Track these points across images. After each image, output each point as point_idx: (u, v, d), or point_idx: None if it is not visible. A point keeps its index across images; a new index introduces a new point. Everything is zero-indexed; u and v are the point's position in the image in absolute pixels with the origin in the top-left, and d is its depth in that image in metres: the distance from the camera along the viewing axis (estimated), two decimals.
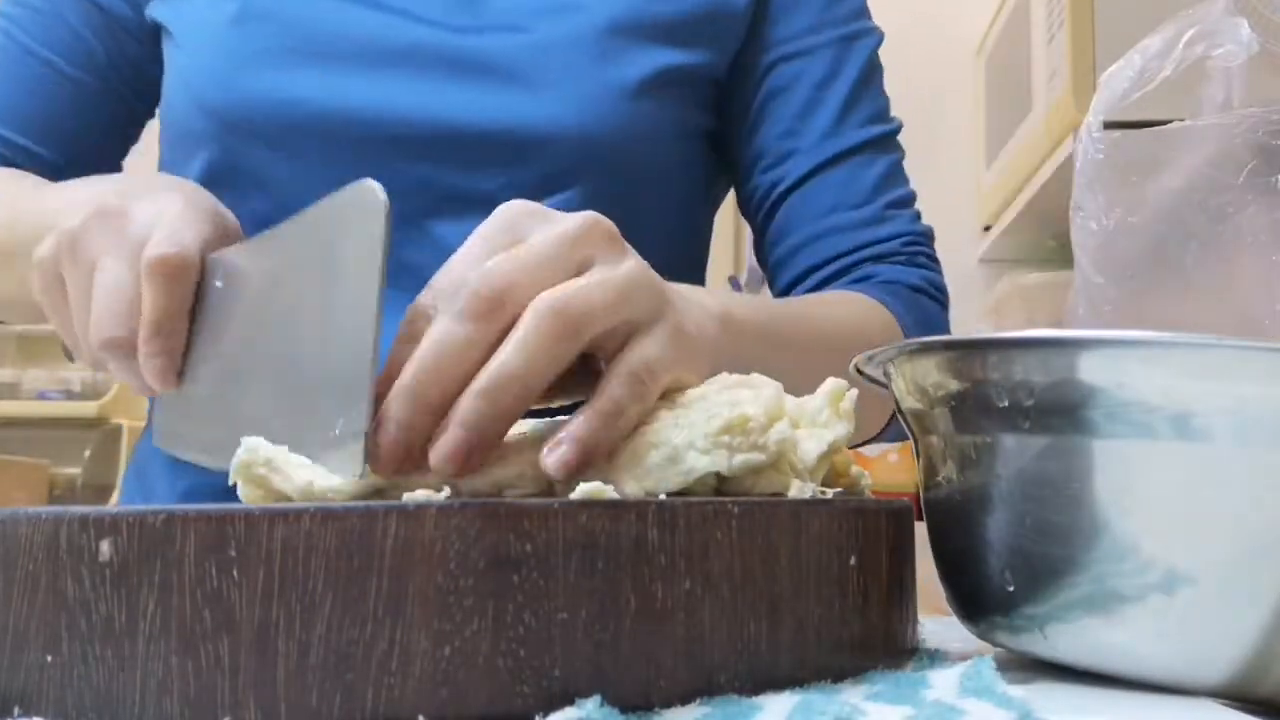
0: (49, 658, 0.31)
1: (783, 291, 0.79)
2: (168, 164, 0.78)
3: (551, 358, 0.40)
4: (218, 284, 0.52)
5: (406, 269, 0.69)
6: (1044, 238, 2.03)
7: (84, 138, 0.81)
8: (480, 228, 0.43)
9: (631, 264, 0.44)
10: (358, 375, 0.39)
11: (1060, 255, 2.02)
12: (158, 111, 0.82)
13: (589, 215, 0.44)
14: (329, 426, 0.40)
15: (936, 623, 0.52)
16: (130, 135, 0.84)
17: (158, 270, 0.50)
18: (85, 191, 0.62)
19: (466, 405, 0.39)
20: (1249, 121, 0.66)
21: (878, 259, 0.77)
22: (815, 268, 0.77)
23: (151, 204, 0.54)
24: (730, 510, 0.35)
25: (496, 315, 0.40)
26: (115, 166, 0.83)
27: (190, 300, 0.52)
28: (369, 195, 0.41)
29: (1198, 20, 0.69)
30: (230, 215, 0.56)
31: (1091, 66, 1.58)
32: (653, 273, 0.45)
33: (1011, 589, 0.39)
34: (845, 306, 0.72)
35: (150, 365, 0.51)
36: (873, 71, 0.81)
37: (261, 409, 0.45)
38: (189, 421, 0.52)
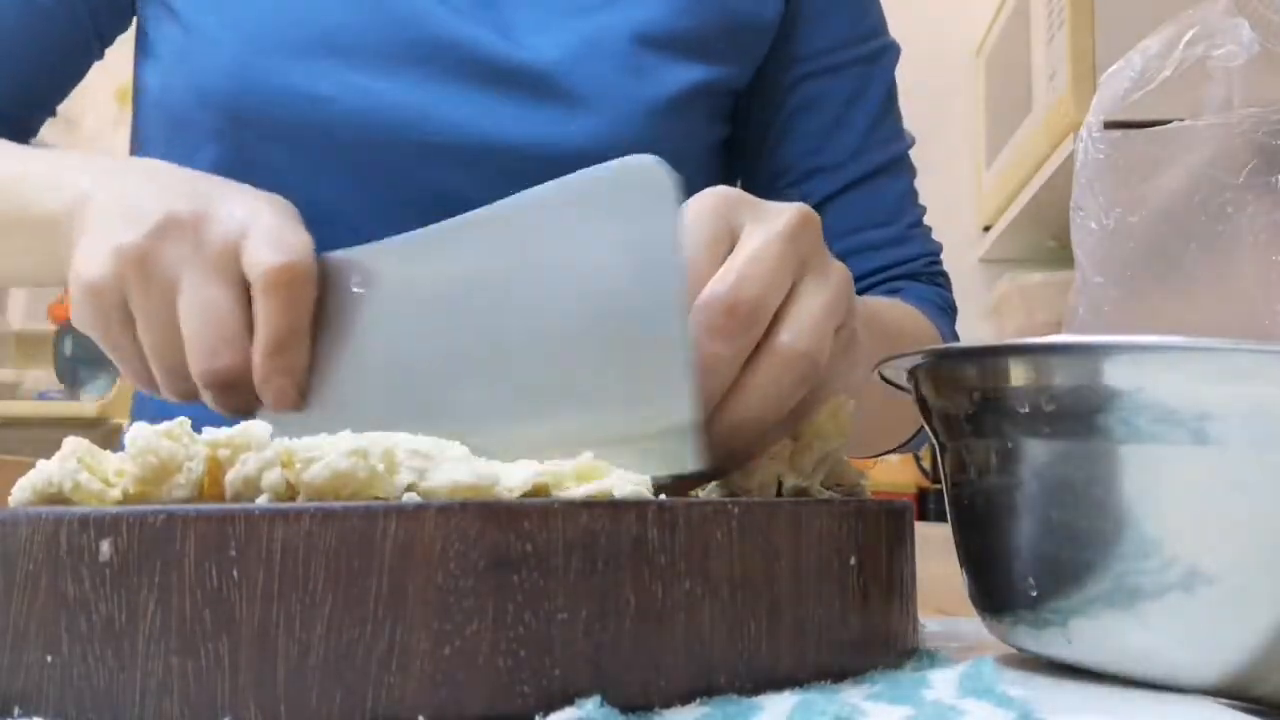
0: (49, 658, 0.31)
1: None
2: (161, 156, 0.72)
3: (792, 401, 0.41)
4: (355, 290, 0.46)
5: None
6: (1044, 238, 2.04)
7: (30, 65, 0.73)
8: (694, 216, 0.42)
9: (839, 272, 0.44)
10: (675, 362, 0.37)
11: (1060, 255, 2.02)
12: (140, 90, 0.75)
13: (800, 210, 0.43)
14: (639, 422, 0.38)
15: (936, 623, 0.52)
16: (78, 71, 0.76)
17: (278, 281, 0.45)
18: (110, 184, 0.53)
19: (719, 444, 0.40)
20: (1249, 121, 0.67)
21: (902, 277, 0.78)
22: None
23: (235, 207, 0.48)
24: (730, 510, 0.35)
25: (751, 333, 0.40)
26: (53, 106, 0.76)
27: (312, 311, 0.47)
28: (649, 173, 0.39)
29: (1198, 20, 0.69)
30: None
31: (1091, 66, 1.59)
32: (849, 274, 0.45)
33: (1035, 593, 0.39)
34: (906, 311, 0.73)
35: (271, 387, 0.46)
36: (893, 89, 0.82)
37: (490, 411, 0.42)
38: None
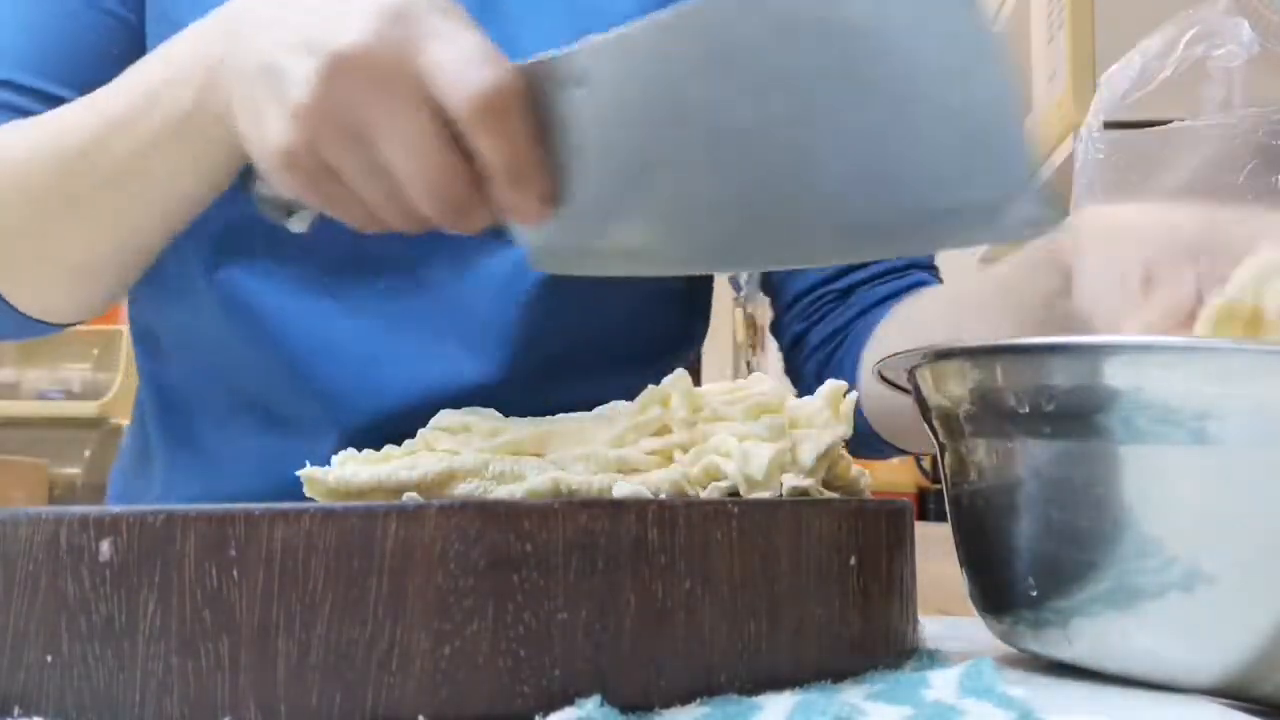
0: (49, 658, 0.31)
1: (822, 282, 0.75)
2: None
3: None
4: (579, 92, 0.43)
5: (405, 271, 0.69)
6: None
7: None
8: None
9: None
10: (1007, 122, 0.34)
11: None
12: None
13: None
14: (970, 186, 0.35)
15: (936, 623, 0.52)
16: None
17: (490, 112, 0.41)
18: (236, 40, 0.47)
19: None
20: (1249, 121, 0.67)
21: (921, 268, 0.76)
22: (856, 266, 0.75)
23: (401, 28, 0.42)
24: (730, 510, 0.35)
25: None
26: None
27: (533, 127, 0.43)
28: None
29: (1198, 20, 0.69)
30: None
31: (1091, 66, 1.58)
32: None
33: (1035, 593, 0.39)
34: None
35: (519, 214, 0.44)
36: None
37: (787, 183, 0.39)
38: (595, 231, 0.45)
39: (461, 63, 0.41)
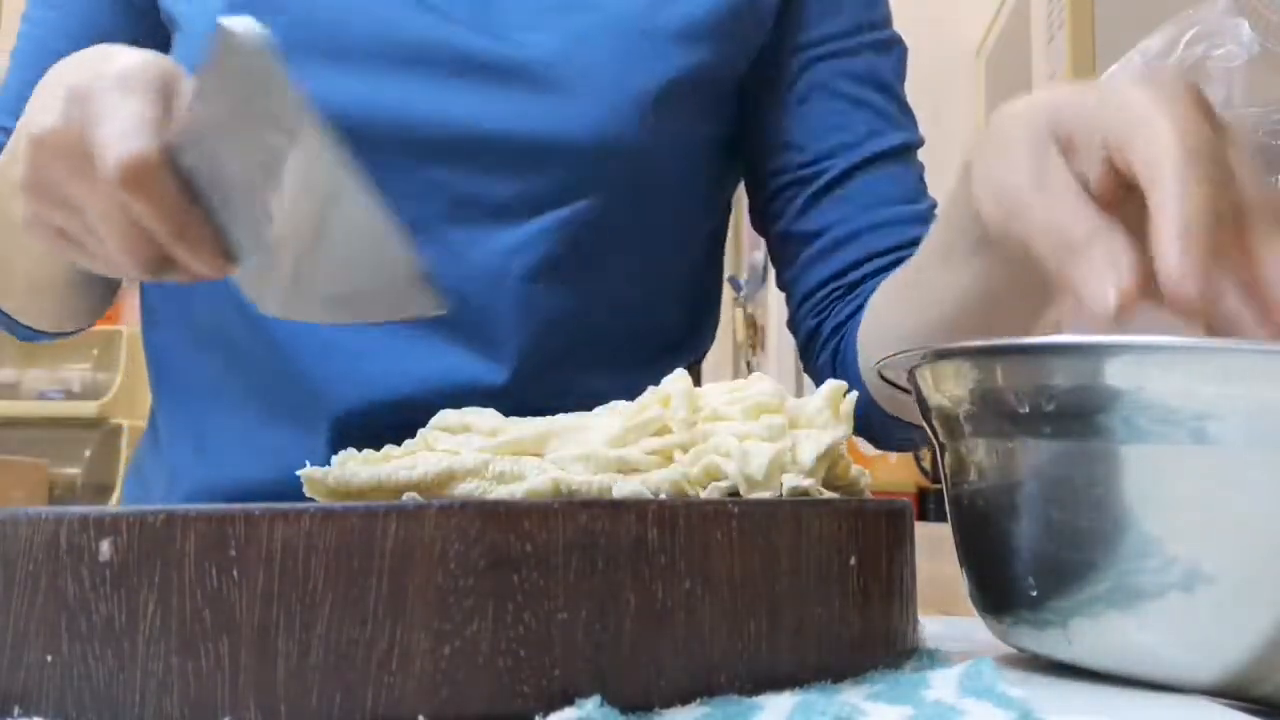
0: (49, 658, 0.31)
1: (831, 277, 0.77)
2: None
3: None
4: (195, 156, 0.46)
5: None
6: None
7: None
8: None
9: None
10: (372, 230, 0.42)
11: None
12: None
13: None
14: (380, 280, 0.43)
15: (936, 623, 0.52)
16: None
17: (131, 182, 0.45)
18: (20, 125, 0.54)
19: None
20: (1249, 121, 0.67)
21: None
22: (874, 255, 0.76)
23: (79, 108, 0.47)
24: (730, 510, 0.35)
25: None
26: None
27: (180, 186, 0.46)
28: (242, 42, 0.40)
29: (1198, 20, 0.69)
30: (170, 65, 0.49)
31: (1091, 66, 1.59)
32: None
33: (1035, 593, 0.39)
34: None
35: (198, 267, 0.47)
36: (904, 80, 0.82)
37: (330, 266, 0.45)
38: (283, 284, 0.48)
39: (113, 137, 0.45)
